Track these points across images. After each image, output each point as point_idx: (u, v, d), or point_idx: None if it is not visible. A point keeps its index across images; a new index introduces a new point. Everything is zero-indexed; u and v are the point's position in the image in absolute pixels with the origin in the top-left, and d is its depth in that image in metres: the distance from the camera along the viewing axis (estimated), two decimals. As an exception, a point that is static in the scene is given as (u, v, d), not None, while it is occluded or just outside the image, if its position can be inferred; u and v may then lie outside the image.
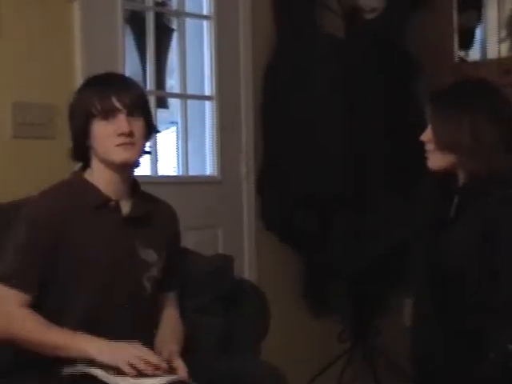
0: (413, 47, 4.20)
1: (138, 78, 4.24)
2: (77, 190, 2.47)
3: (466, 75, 4.03)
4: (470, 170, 2.55)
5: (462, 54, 4.36)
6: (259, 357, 2.85)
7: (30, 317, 2.34)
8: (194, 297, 2.75)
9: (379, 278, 4.12)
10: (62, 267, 2.39)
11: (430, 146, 2.59)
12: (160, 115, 4.05)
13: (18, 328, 2.33)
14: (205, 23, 3.91)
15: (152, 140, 3.47)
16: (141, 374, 2.23)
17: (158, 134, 3.52)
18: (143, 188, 2.59)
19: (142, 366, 2.24)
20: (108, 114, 2.40)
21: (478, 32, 4.38)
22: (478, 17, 4.36)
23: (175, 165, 4.09)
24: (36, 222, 2.39)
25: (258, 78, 4.03)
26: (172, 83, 4.72)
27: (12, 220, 2.46)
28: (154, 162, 3.67)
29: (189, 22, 3.89)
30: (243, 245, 3.96)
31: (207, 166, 3.92)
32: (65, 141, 2.54)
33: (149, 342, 2.47)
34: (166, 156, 4.47)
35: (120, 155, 2.41)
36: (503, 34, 4.29)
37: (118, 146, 2.41)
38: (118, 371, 2.23)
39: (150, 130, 2.52)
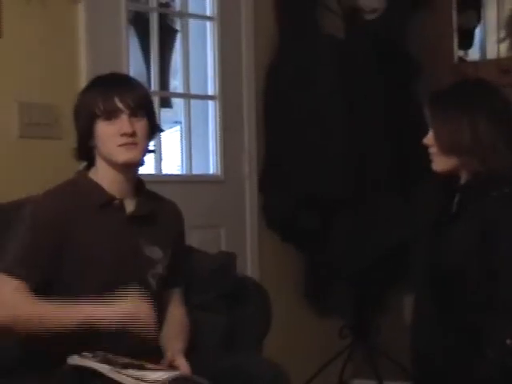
0: (412, 47, 4.18)
1: (142, 78, 4.25)
2: (81, 189, 2.47)
3: (466, 75, 4.03)
4: (471, 170, 2.54)
5: (461, 54, 4.35)
6: (261, 354, 2.84)
7: (19, 295, 2.33)
8: (198, 294, 2.75)
9: (380, 277, 4.12)
10: (67, 267, 2.39)
11: (433, 149, 2.58)
12: (164, 115, 4.05)
13: (8, 307, 2.32)
14: (208, 24, 3.91)
15: (156, 139, 3.50)
16: (143, 369, 2.23)
17: (162, 134, 3.53)
18: (147, 186, 2.59)
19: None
20: (111, 114, 2.40)
21: (478, 32, 4.37)
22: (478, 17, 4.35)
23: (179, 164, 4.09)
24: (40, 221, 2.39)
25: (261, 78, 4.03)
26: (176, 83, 4.71)
27: (12, 220, 2.45)
28: (158, 160, 3.67)
29: (192, 22, 3.89)
30: (245, 243, 3.95)
31: (210, 165, 3.92)
32: (70, 141, 2.54)
33: (156, 336, 2.46)
34: (169, 155, 4.47)
35: (123, 155, 2.41)
36: (502, 34, 4.28)
37: (120, 146, 2.40)
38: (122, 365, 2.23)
39: (154, 130, 2.52)
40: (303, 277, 4.17)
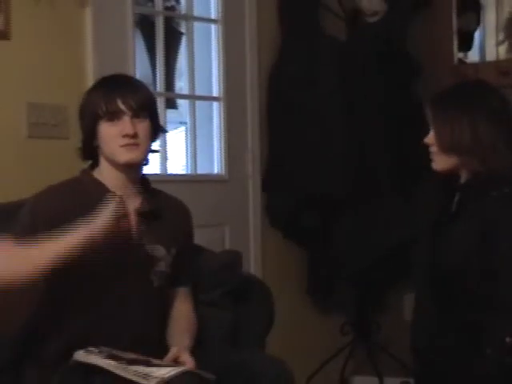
0: (413, 49, 4.18)
1: (148, 80, 4.26)
2: (84, 187, 2.46)
3: (466, 77, 4.03)
4: (471, 169, 2.54)
5: (461, 55, 4.35)
6: (264, 350, 2.84)
7: None
8: (205, 291, 2.74)
9: (380, 276, 4.11)
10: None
11: (433, 149, 2.58)
12: (169, 116, 4.05)
13: None
14: (212, 27, 3.91)
15: (161, 139, 3.51)
16: (149, 365, 2.22)
17: (167, 134, 3.54)
18: (153, 186, 2.59)
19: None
20: (113, 115, 2.41)
21: (477, 35, 4.37)
22: (477, 20, 4.35)
23: (184, 163, 4.09)
24: (39, 219, 2.38)
25: (264, 80, 4.03)
26: (181, 85, 4.72)
27: (12, 220, 2.44)
28: (164, 160, 3.67)
29: (197, 25, 3.89)
30: (249, 242, 3.95)
31: (215, 164, 3.92)
32: (77, 141, 2.54)
33: (159, 334, 2.47)
34: (175, 155, 4.47)
35: (124, 156, 2.41)
36: (501, 36, 4.28)
37: (122, 146, 2.40)
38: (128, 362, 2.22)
39: (157, 131, 2.51)
40: (305, 275, 4.17)
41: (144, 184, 2.54)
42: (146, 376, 2.14)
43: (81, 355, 2.25)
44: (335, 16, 4.18)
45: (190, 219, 2.65)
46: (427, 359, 2.55)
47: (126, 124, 2.40)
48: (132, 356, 2.26)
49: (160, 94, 3.67)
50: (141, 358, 2.26)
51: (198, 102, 3.87)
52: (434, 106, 2.60)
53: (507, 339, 2.39)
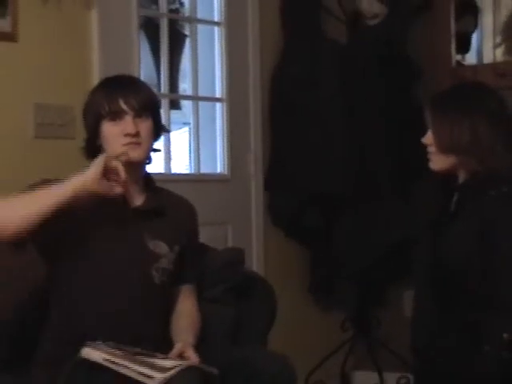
0: (412, 52, 4.17)
1: (152, 81, 4.25)
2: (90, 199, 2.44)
3: (464, 78, 4.02)
4: (469, 169, 2.53)
5: (459, 58, 4.34)
6: (266, 346, 2.83)
7: None
8: (208, 288, 2.73)
9: (380, 273, 4.10)
10: (66, 257, 2.39)
11: (431, 149, 2.57)
12: (173, 116, 4.05)
13: None
14: (216, 29, 3.90)
15: (165, 139, 3.51)
16: (154, 358, 2.21)
17: (171, 134, 3.53)
18: (157, 185, 2.58)
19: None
20: (115, 115, 2.41)
21: (475, 37, 4.36)
22: (475, 23, 4.34)
23: (187, 163, 4.08)
24: None
25: (266, 81, 4.03)
26: (185, 86, 4.70)
27: None
28: (168, 160, 3.66)
29: (200, 28, 3.88)
30: (251, 240, 3.95)
31: (218, 164, 3.92)
32: (83, 140, 2.53)
33: (160, 330, 2.46)
34: (178, 155, 4.46)
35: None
36: (498, 39, 4.28)
37: (124, 145, 2.39)
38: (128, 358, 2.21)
39: (159, 130, 2.51)
40: (307, 273, 4.16)
41: (148, 182, 2.53)
42: (149, 376, 2.12)
43: (87, 352, 2.23)
44: (336, 19, 4.17)
45: (194, 217, 2.63)
46: (427, 357, 2.54)
47: (128, 123, 2.40)
48: (137, 350, 2.25)
49: (164, 95, 3.67)
50: (145, 351, 2.25)
51: (201, 103, 3.86)
52: (432, 108, 2.60)
53: (505, 335, 2.38)
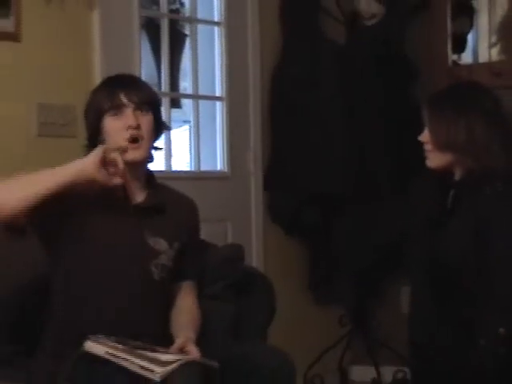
0: (410, 51, 4.17)
1: (153, 80, 4.25)
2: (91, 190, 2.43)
3: (460, 78, 4.02)
4: (465, 167, 2.53)
5: (455, 57, 4.34)
6: (266, 341, 2.84)
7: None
8: (208, 285, 2.73)
9: (379, 269, 4.10)
10: (66, 250, 2.39)
11: (428, 147, 2.57)
12: (174, 115, 4.05)
13: None
14: (216, 29, 3.90)
15: (166, 137, 3.50)
16: (154, 351, 2.21)
17: (171, 132, 3.52)
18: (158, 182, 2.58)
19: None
20: (117, 109, 2.40)
21: (470, 37, 4.36)
22: (470, 23, 4.34)
23: (188, 161, 4.08)
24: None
25: (266, 80, 4.02)
26: (185, 85, 4.71)
27: None
28: (169, 158, 3.67)
29: (200, 28, 3.88)
30: (251, 236, 3.95)
31: (218, 162, 3.91)
32: (84, 139, 2.53)
33: (160, 326, 2.45)
34: (179, 152, 4.46)
35: (128, 155, 2.40)
36: (494, 39, 4.27)
37: (126, 140, 2.39)
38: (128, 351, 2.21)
39: (160, 126, 2.51)
40: (306, 269, 4.16)
41: (149, 179, 2.53)
42: (151, 370, 2.12)
43: (89, 345, 2.23)
44: (334, 19, 4.16)
45: (195, 214, 2.62)
46: (424, 352, 2.54)
47: (129, 116, 2.40)
48: (139, 344, 2.25)
49: (165, 94, 3.67)
50: (147, 345, 2.25)
51: (201, 102, 3.86)
52: (429, 106, 2.60)
53: (500, 330, 2.38)
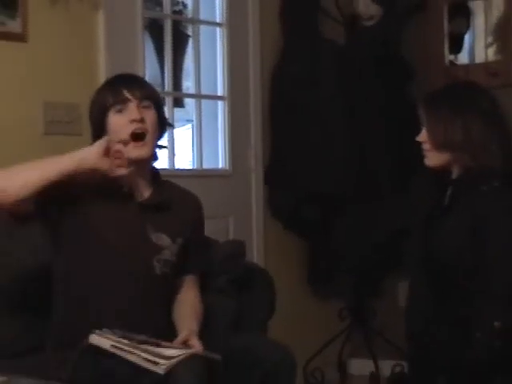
0: (407, 52, 4.17)
1: (156, 80, 4.25)
2: (94, 180, 2.43)
3: (457, 78, 4.02)
4: (462, 165, 2.53)
5: (452, 58, 4.34)
6: (266, 335, 2.84)
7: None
8: (211, 279, 2.73)
9: (378, 265, 4.10)
10: (69, 244, 2.40)
11: (426, 146, 2.57)
12: (177, 114, 4.05)
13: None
14: (217, 30, 3.90)
15: (169, 136, 3.51)
16: (159, 346, 2.21)
17: (174, 131, 3.52)
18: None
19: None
20: (120, 104, 2.41)
21: (467, 38, 4.36)
22: (467, 24, 4.34)
23: (191, 159, 4.09)
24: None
25: (266, 80, 4.02)
26: (188, 84, 4.71)
27: None
28: (172, 156, 3.67)
29: (203, 28, 3.88)
30: (252, 232, 3.95)
31: (219, 160, 3.92)
32: (90, 137, 2.54)
33: (162, 320, 2.45)
34: (182, 151, 4.46)
35: (133, 152, 2.40)
36: (490, 39, 4.27)
37: (130, 135, 2.39)
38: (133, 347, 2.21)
39: (163, 125, 2.51)
40: (306, 264, 4.16)
41: (154, 176, 2.53)
42: (155, 362, 2.13)
43: (94, 338, 2.23)
44: (333, 20, 4.16)
45: (199, 210, 2.63)
46: (421, 344, 2.54)
47: (132, 110, 2.41)
48: (142, 337, 2.25)
49: (168, 94, 3.67)
50: (151, 339, 2.25)
51: (203, 101, 3.86)
52: (426, 106, 2.60)
53: (495, 323, 2.38)
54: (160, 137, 2.51)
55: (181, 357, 2.15)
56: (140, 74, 3.30)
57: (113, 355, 2.18)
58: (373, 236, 3.98)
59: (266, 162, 4.01)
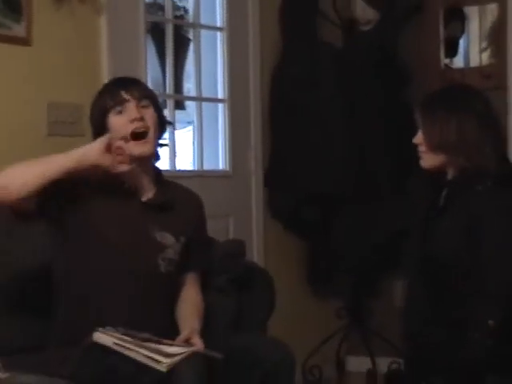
0: (403, 55, 4.17)
1: (158, 82, 4.24)
2: (97, 178, 2.42)
3: (452, 81, 4.02)
4: (457, 166, 2.53)
5: (447, 61, 4.35)
6: (266, 333, 2.83)
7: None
8: (212, 278, 2.73)
9: (375, 265, 4.10)
10: (71, 242, 2.39)
11: (422, 148, 2.57)
12: (178, 116, 4.04)
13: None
14: (218, 34, 3.90)
15: (171, 138, 3.51)
16: (161, 344, 2.21)
17: (176, 132, 3.52)
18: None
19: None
20: (120, 105, 2.41)
21: (462, 42, 4.37)
22: (462, 29, 4.35)
23: (191, 160, 4.08)
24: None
25: (266, 83, 4.02)
26: (189, 87, 4.70)
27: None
28: (173, 157, 3.67)
29: (204, 33, 3.88)
30: (252, 232, 3.94)
31: (220, 161, 3.91)
32: (92, 138, 2.53)
33: (165, 318, 2.44)
34: (183, 152, 4.46)
35: (136, 150, 2.40)
36: (484, 44, 4.28)
37: (131, 135, 2.38)
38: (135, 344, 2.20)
39: (162, 121, 2.51)
40: (305, 263, 4.16)
41: (158, 176, 2.53)
42: (157, 360, 2.12)
43: (98, 335, 2.23)
44: (332, 23, 4.16)
45: (201, 210, 2.63)
46: (419, 344, 2.53)
47: (132, 110, 2.41)
48: (145, 335, 2.24)
49: (169, 96, 3.67)
50: (154, 337, 2.24)
51: (204, 104, 3.86)
52: (422, 109, 2.59)
53: (490, 322, 2.37)
54: (160, 135, 2.51)
55: (183, 355, 2.14)
56: (142, 76, 3.30)
57: (116, 352, 2.17)
58: (372, 236, 3.97)
59: (266, 164, 4.01)
